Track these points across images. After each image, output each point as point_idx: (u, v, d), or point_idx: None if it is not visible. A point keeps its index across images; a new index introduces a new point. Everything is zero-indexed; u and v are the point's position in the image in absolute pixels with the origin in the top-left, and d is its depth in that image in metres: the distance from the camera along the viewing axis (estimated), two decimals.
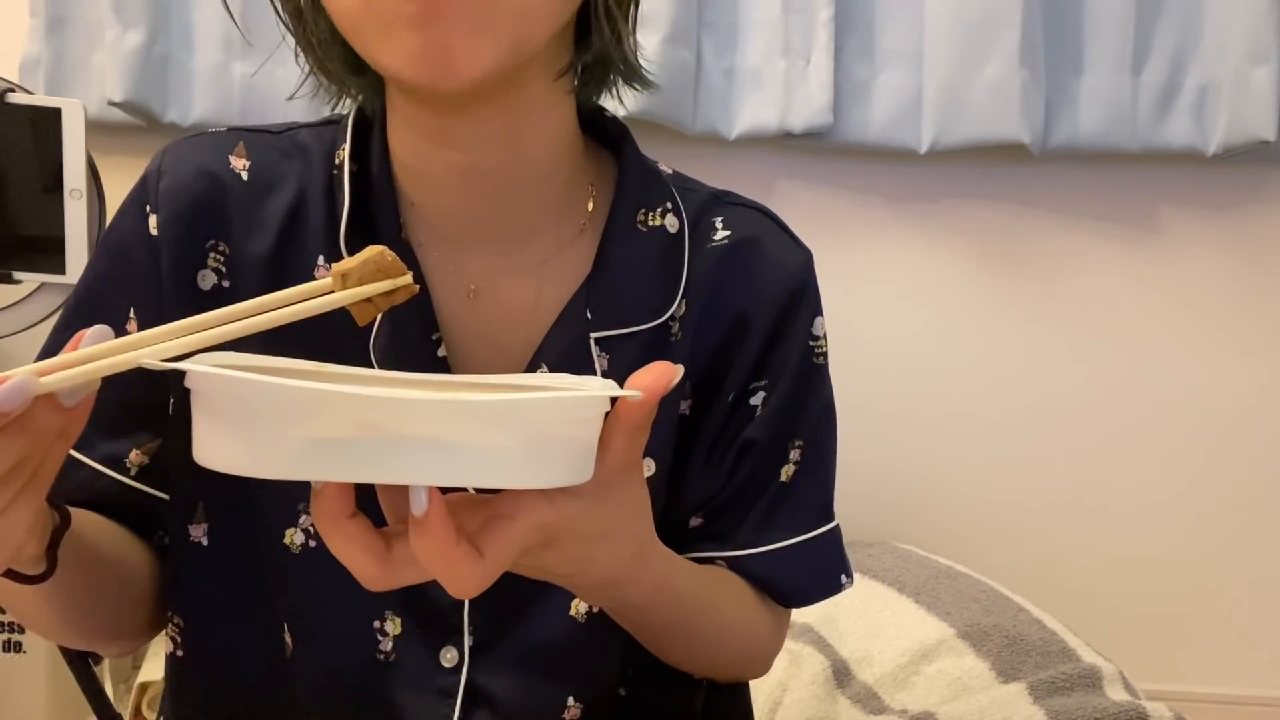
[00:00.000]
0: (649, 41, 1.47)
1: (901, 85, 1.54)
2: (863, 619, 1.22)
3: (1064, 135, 1.54)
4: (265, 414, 0.36)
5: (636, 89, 0.64)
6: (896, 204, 1.63)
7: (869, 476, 1.64)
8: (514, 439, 0.37)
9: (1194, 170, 1.60)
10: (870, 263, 1.63)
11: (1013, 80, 1.48)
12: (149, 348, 0.40)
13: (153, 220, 0.62)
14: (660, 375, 0.43)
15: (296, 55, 0.61)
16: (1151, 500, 1.64)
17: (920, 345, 1.64)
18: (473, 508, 0.43)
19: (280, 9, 0.60)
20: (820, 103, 1.51)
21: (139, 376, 0.62)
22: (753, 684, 0.78)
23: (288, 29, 0.61)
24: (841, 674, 1.16)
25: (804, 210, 1.62)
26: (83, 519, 0.58)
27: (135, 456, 0.63)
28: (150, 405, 0.63)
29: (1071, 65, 1.54)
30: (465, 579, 0.41)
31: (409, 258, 0.61)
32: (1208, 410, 1.63)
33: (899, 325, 1.64)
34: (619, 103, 0.67)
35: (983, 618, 1.15)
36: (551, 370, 0.61)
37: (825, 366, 0.69)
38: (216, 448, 0.38)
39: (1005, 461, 1.65)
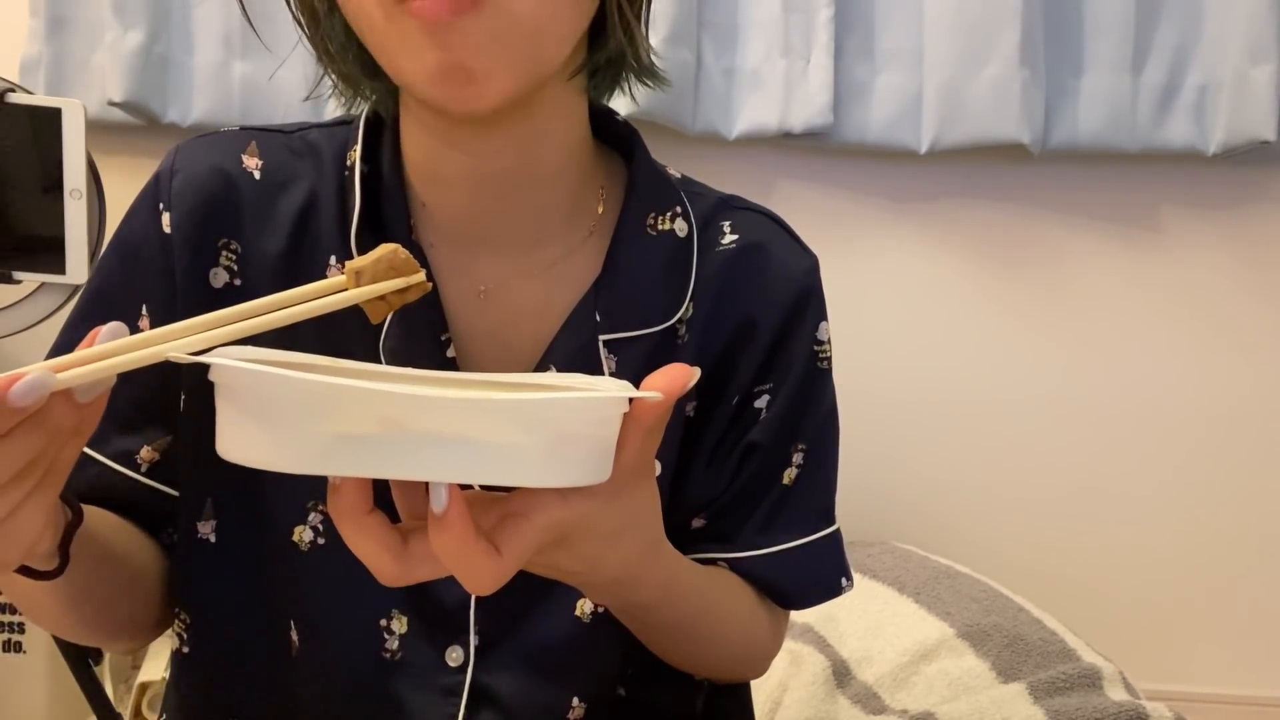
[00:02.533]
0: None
1: (901, 85, 1.54)
2: (863, 619, 1.22)
3: (1064, 135, 1.54)
4: (290, 409, 0.36)
5: (649, 85, 0.64)
6: (896, 204, 1.63)
7: (869, 476, 1.64)
8: (535, 438, 0.38)
9: (1194, 170, 1.60)
10: (870, 263, 1.64)
11: (1013, 80, 1.48)
12: (171, 342, 0.40)
13: (165, 218, 0.62)
14: (676, 377, 0.43)
15: (320, 60, 0.61)
16: (1151, 500, 1.64)
17: (920, 345, 1.65)
18: (487, 505, 0.43)
19: (296, 11, 0.60)
20: (820, 103, 1.51)
21: (152, 373, 0.62)
22: (753, 684, 0.78)
23: (302, 31, 0.60)
24: (841, 674, 1.16)
25: (804, 210, 1.62)
26: (94, 516, 0.58)
27: (146, 453, 0.63)
28: (162, 402, 0.63)
29: (1071, 65, 1.54)
30: (483, 576, 0.41)
31: (419, 258, 0.61)
32: (1208, 410, 1.63)
33: (898, 325, 1.64)
34: (631, 99, 0.67)
35: (983, 618, 1.15)
36: (560, 370, 0.62)
37: (829, 371, 0.69)
38: (239, 441, 0.38)
39: (1005, 461, 1.65)
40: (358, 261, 0.45)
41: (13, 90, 1.24)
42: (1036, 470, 1.65)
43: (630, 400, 0.42)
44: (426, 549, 0.40)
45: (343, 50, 0.60)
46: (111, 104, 1.49)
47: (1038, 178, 1.62)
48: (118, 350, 0.40)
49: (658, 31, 1.47)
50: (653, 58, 0.62)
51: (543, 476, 0.39)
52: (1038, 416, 1.65)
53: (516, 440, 0.37)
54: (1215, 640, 1.66)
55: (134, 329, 0.61)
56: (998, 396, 1.65)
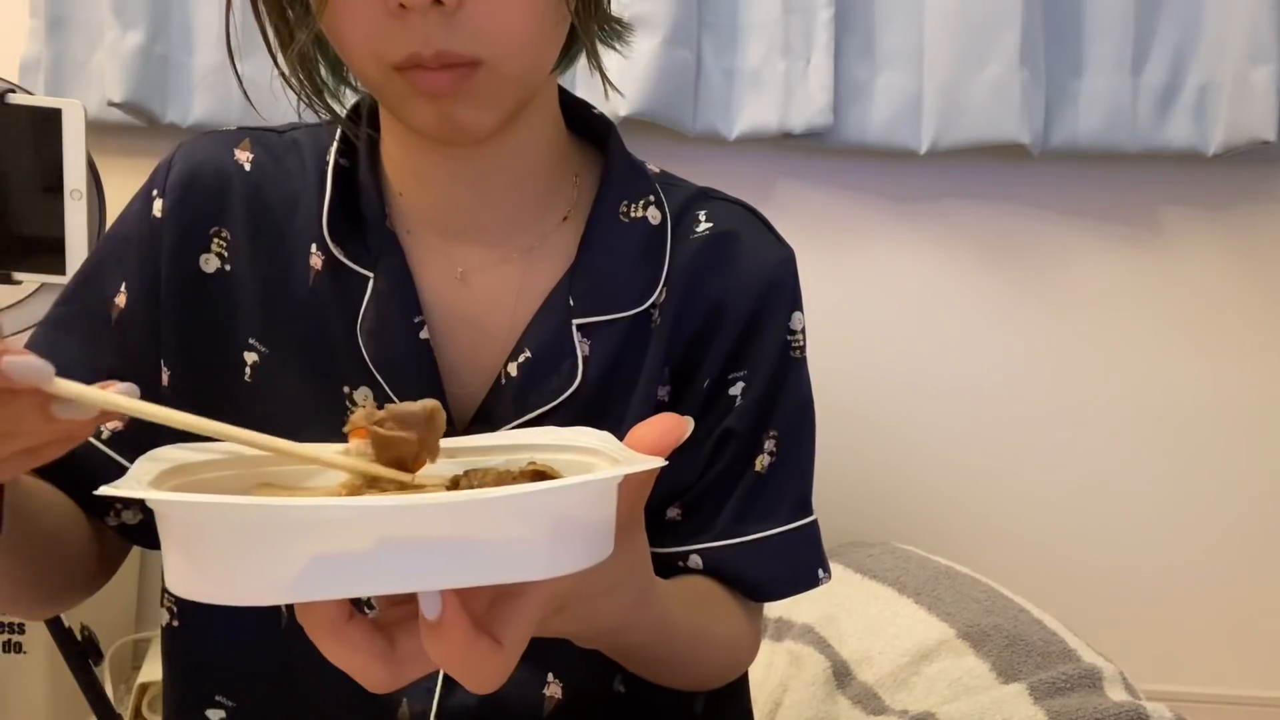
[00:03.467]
0: (649, 42, 1.47)
1: (901, 85, 1.54)
2: (863, 619, 1.21)
3: (1064, 135, 1.54)
4: (256, 536, 0.33)
5: (617, 49, 0.66)
6: (896, 204, 1.63)
7: (870, 476, 1.64)
8: (540, 530, 0.35)
9: (1194, 170, 1.60)
10: (870, 263, 1.63)
11: (1013, 80, 1.48)
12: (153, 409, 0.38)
13: (158, 204, 0.64)
14: (668, 432, 0.42)
15: (294, 77, 0.62)
16: (1151, 499, 1.64)
17: (920, 345, 1.64)
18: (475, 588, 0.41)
19: (271, 30, 0.61)
20: (820, 103, 1.51)
21: (123, 340, 0.63)
22: (753, 684, 0.78)
23: (269, 45, 0.61)
24: (842, 674, 1.16)
25: (804, 210, 1.62)
26: (35, 488, 0.58)
27: (111, 421, 0.63)
28: (137, 373, 0.63)
29: (1071, 65, 1.54)
30: (487, 675, 0.37)
31: (393, 244, 0.64)
32: (1208, 410, 1.63)
33: (898, 325, 1.64)
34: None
35: (983, 618, 1.14)
36: (534, 354, 0.63)
37: (803, 361, 0.70)
38: (194, 575, 0.34)
39: (1005, 462, 1.65)
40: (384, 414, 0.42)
41: (13, 90, 1.24)
42: (1037, 470, 1.65)
43: (624, 437, 0.41)
44: (418, 647, 0.37)
45: (314, 58, 0.62)
46: (111, 104, 1.49)
47: (1038, 178, 1.62)
48: (122, 404, 0.38)
49: (658, 32, 1.47)
50: (620, 46, 0.65)
51: (550, 568, 0.36)
52: (1038, 417, 1.65)
53: (521, 535, 0.34)
54: (1215, 640, 1.65)
55: (109, 303, 0.63)
56: (998, 397, 1.65)
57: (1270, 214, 1.61)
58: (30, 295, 1.28)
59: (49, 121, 1.22)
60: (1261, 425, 1.63)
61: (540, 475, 0.41)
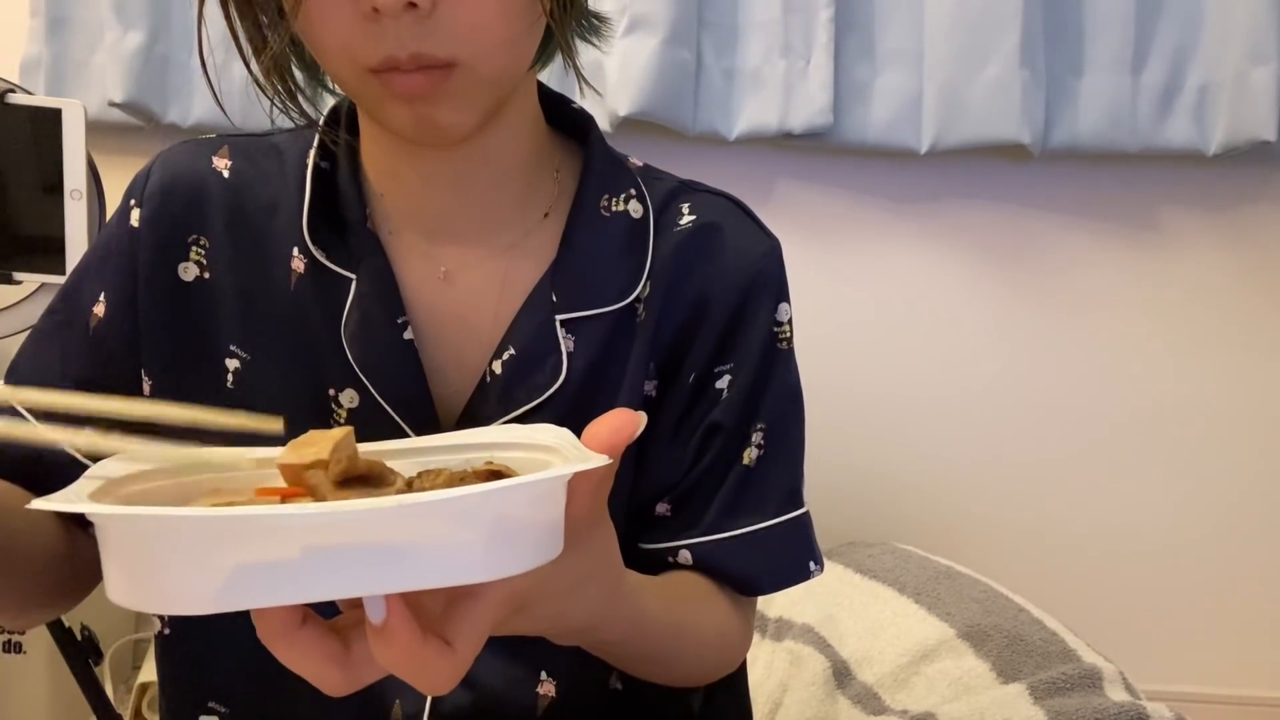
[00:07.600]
0: (649, 42, 1.47)
1: (901, 85, 1.55)
2: (863, 619, 1.22)
3: (1064, 135, 1.54)
4: (187, 548, 0.32)
5: (593, 43, 0.66)
6: (896, 204, 1.63)
7: (869, 476, 1.64)
8: (476, 533, 0.34)
9: (1194, 170, 1.60)
10: (870, 263, 1.64)
11: (1013, 80, 1.48)
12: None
13: (135, 214, 0.65)
14: (620, 429, 0.41)
15: (267, 80, 0.62)
16: (1152, 499, 1.65)
17: (919, 345, 1.65)
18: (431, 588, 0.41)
19: (239, 24, 0.61)
20: (820, 103, 1.51)
21: (100, 351, 0.63)
22: (752, 684, 0.78)
23: (241, 51, 0.61)
24: (842, 674, 1.16)
25: (804, 210, 1.62)
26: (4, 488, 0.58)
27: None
28: (117, 382, 0.63)
29: (1071, 65, 1.54)
30: (437, 677, 0.36)
31: (375, 245, 0.64)
32: (1209, 410, 1.63)
33: (899, 325, 1.64)
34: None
35: (983, 618, 1.14)
36: (518, 351, 0.63)
37: (790, 352, 0.69)
38: (128, 583, 0.34)
39: (1005, 462, 1.65)
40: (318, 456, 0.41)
41: (13, 90, 1.24)
42: (1037, 470, 1.65)
43: (580, 438, 0.40)
44: (370, 650, 0.36)
45: (288, 59, 0.62)
46: (111, 104, 1.49)
47: (1038, 178, 1.62)
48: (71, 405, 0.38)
49: (658, 32, 1.47)
50: (595, 40, 0.65)
51: (488, 571, 0.34)
52: (1038, 416, 1.65)
53: (456, 539, 0.33)
54: (1215, 640, 1.66)
55: (88, 312, 0.64)
56: (998, 397, 1.65)
57: (1270, 214, 1.61)
58: (30, 295, 1.28)
59: (49, 121, 1.22)
60: (1262, 425, 1.63)
61: (495, 475, 0.40)
